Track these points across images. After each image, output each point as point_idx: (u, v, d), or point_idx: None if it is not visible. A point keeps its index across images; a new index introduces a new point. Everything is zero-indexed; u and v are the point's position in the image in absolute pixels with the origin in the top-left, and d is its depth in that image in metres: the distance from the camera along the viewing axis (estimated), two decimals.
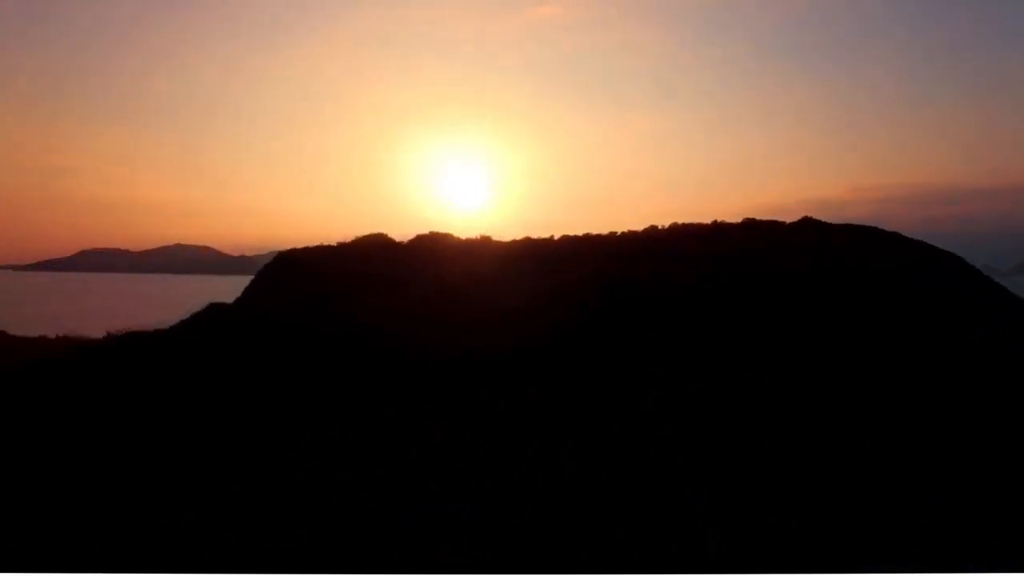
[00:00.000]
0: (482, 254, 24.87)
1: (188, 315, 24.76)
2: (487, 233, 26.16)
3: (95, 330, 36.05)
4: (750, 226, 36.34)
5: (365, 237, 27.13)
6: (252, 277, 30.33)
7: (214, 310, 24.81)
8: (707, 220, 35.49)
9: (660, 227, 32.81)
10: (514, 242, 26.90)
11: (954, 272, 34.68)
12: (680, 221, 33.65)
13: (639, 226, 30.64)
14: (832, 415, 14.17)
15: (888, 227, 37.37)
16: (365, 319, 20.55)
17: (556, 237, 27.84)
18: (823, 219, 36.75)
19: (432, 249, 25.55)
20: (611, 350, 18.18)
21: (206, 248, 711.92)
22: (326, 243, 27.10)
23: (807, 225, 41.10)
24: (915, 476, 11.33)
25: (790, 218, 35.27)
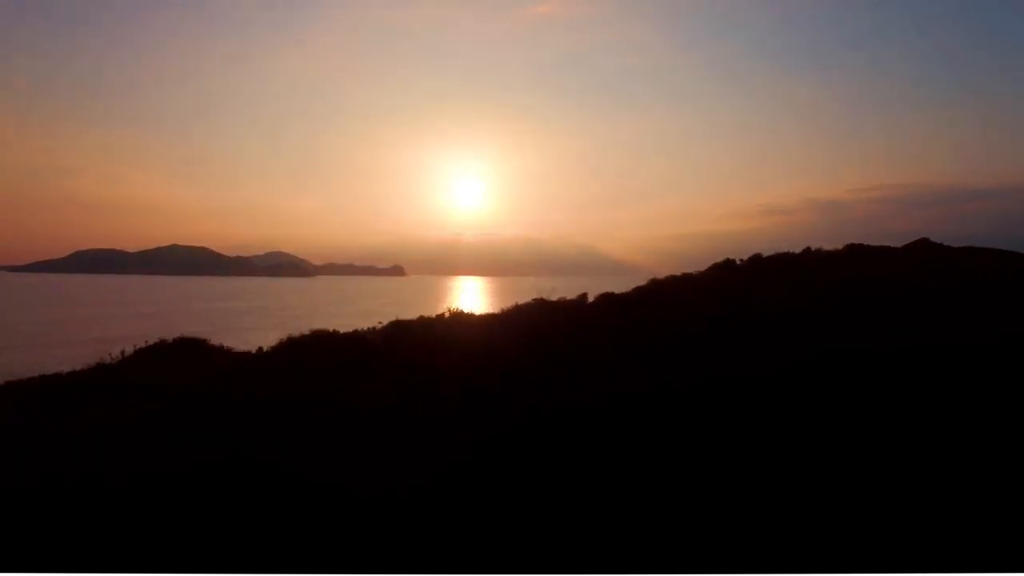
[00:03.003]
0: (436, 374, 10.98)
1: None
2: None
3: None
4: (858, 253, 25.11)
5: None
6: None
7: None
8: (792, 245, 24.31)
9: (738, 262, 21.48)
10: (515, 318, 14.95)
11: None
12: (763, 252, 22.36)
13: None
14: None
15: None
16: None
17: (591, 298, 16.31)
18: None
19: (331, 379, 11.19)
20: None
21: (203, 249, 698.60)
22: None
23: (922, 247, 30.02)
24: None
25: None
